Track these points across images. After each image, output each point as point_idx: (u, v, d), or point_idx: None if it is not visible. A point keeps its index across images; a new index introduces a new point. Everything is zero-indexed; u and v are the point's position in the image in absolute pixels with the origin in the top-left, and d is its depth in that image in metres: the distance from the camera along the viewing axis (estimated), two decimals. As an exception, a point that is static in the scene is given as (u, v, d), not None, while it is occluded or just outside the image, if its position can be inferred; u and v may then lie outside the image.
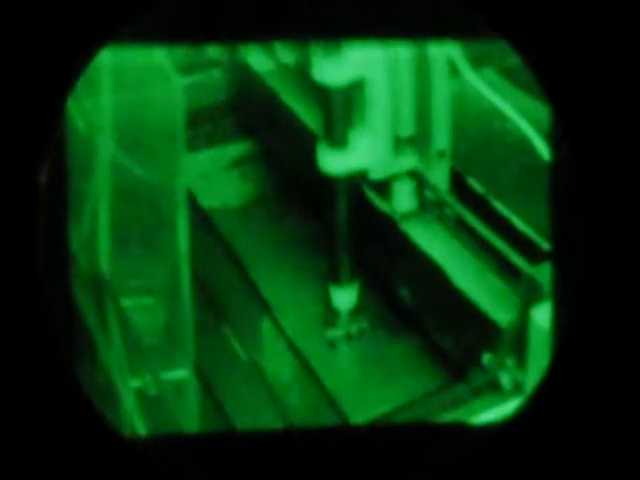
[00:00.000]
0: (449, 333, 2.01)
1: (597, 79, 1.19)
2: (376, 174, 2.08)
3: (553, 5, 1.18)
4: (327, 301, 2.16)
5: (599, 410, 1.20)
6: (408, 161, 2.08)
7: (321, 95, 2.01)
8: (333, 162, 2.02)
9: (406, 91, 2.02)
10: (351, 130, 2.01)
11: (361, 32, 1.22)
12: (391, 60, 1.98)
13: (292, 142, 2.41)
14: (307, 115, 2.30)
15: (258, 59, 2.51)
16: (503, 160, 2.24)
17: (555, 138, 1.24)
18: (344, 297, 2.14)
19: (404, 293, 2.13)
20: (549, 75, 1.19)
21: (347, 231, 2.09)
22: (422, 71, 2.02)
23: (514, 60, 2.10)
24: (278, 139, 2.52)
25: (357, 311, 2.15)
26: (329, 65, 1.94)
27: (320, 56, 1.93)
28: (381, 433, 1.37)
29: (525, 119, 2.03)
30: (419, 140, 2.07)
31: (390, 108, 2.02)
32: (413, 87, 2.02)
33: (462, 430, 1.38)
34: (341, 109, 1.98)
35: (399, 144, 2.06)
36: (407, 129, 2.05)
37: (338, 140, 2.00)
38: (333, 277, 2.14)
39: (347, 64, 1.94)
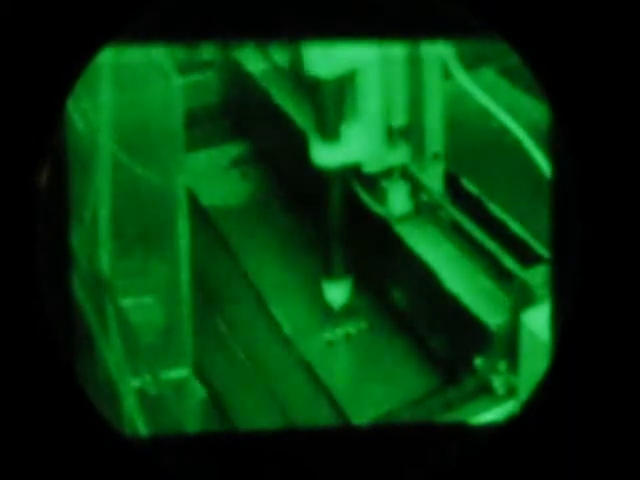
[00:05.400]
0: (441, 336, 2.01)
1: (597, 79, 1.19)
2: (369, 167, 2.08)
3: (552, 4, 1.18)
4: (322, 298, 2.16)
5: (598, 412, 1.20)
6: (401, 154, 2.08)
7: (313, 90, 2.01)
8: (326, 155, 2.01)
9: (398, 82, 2.02)
10: (343, 123, 2.00)
11: (355, 32, 1.22)
12: (383, 51, 1.98)
13: (286, 143, 2.41)
14: (300, 116, 2.30)
15: (252, 60, 2.52)
16: (497, 161, 2.24)
17: (554, 138, 1.24)
18: (336, 292, 2.14)
19: (397, 295, 2.13)
20: (548, 75, 1.19)
21: (340, 225, 2.09)
22: (415, 69, 2.01)
23: (514, 60, 2.11)
24: (272, 140, 2.53)
25: (352, 309, 2.15)
26: (320, 57, 1.93)
27: (311, 48, 1.93)
28: (381, 433, 1.37)
29: (517, 120, 2.02)
30: (412, 135, 2.06)
31: (382, 100, 2.01)
32: (405, 78, 2.02)
33: (462, 430, 1.38)
34: (333, 101, 1.98)
35: (392, 136, 2.06)
36: (399, 119, 2.05)
37: (330, 133, 1.99)
38: (326, 272, 2.14)
39: (338, 56, 1.93)
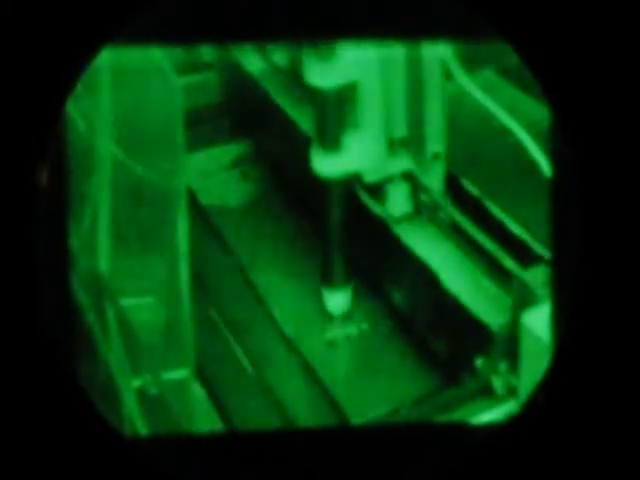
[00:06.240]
0: (442, 337, 2.01)
1: (597, 78, 1.19)
2: (370, 177, 2.08)
3: (552, 4, 1.18)
4: (321, 304, 2.16)
5: (598, 412, 1.20)
6: (402, 163, 2.08)
7: (314, 97, 2.01)
8: (326, 165, 2.01)
9: (399, 92, 2.02)
10: (344, 132, 2.00)
11: (355, 32, 1.22)
12: (384, 62, 1.98)
13: (286, 144, 2.41)
14: (300, 117, 2.30)
15: (251, 61, 2.52)
16: (497, 162, 2.24)
17: (554, 138, 1.24)
18: (337, 301, 2.13)
19: (397, 296, 2.13)
20: (548, 75, 1.19)
21: (340, 234, 2.08)
22: (415, 73, 2.01)
23: (514, 60, 2.10)
24: (272, 141, 2.53)
25: (352, 313, 2.15)
26: (321, 68, 1.93)
27: (313, 59, 1.92)
28: (381, 433, 1.37)
29: (517, 120, 2.02)
30: (413, 142, 2.06)
31: (383, 110, 2.01)
32: (406, 88, 2.02)
33: (462, 430, 1.38)
34: (334, 112, 1.98)
35: (393, 146, 2.06)
36: (400, 130, 2.05)
37: (331, 143, 1.99)
38: (326, 280, 2.14)
39: (339, 66, 1.93)
